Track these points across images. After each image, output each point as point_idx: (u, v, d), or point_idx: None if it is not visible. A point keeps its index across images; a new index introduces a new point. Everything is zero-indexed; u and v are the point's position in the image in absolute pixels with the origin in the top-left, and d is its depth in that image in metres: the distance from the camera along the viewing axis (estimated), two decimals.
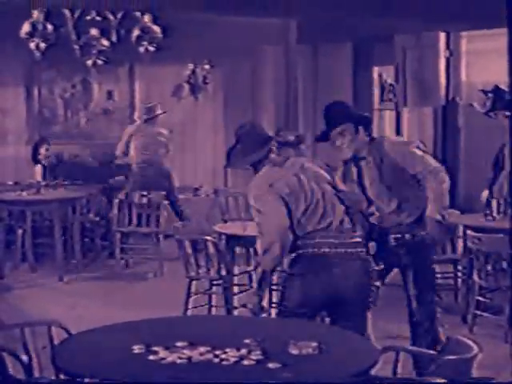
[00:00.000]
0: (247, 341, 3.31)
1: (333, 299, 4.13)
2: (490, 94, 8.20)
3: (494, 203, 6.83)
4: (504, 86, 8.39)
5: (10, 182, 9.54)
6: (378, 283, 4.22)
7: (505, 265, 6.03)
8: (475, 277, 6.23)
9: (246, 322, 4.09)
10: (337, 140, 4.80)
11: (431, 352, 3.41)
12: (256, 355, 3.17)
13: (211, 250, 6.09)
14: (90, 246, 9.08)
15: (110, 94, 10.85)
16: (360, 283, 4.14)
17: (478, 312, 6.23)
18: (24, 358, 3.49)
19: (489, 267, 6.05)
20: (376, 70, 10.52)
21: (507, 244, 5.80)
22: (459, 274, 7.08)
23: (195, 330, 3.62)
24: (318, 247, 4.12)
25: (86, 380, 3.02)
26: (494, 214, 6.74)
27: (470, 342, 3.26)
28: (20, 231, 8.38)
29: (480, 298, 6.23)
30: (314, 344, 3.26)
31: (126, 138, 9.39)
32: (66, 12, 9.00)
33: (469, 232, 6.30)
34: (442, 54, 9.34)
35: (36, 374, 3.53)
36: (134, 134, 9.42)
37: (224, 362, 3.11)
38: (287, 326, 3.87)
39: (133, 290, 7.80)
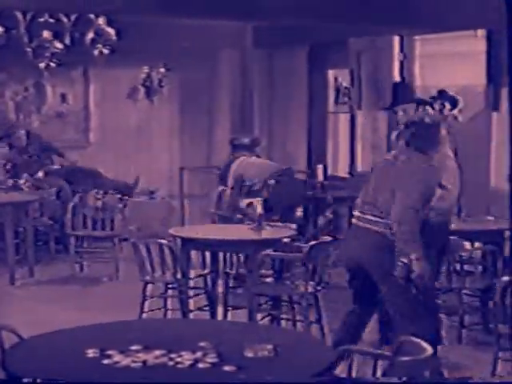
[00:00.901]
0: (202, 344, 3.30)
1: (353, 264, 4.89)
2: (438, 100, 8.32)
3: None
4: (456, 89, 8.49)
5: None
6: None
7: (458, 266, 6.09)
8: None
9: (201, 325, 4.09)
10: None
11: (387, 353, 3.42)
12: (211, 358, 3.15)
13: (166, 253, 6.07)
14: (43, 249, 8.98)
15: (63, 97, 10.76)
16: (375, 255, 4.71)
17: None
18: None
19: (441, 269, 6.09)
20: (331, 73, 10.57)
21: (459, 245, 5.88)
22: None
23: (150, 333, 3.61)
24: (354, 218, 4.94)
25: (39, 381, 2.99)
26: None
27: (424, 344, 3.28)
28: None
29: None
30: (270, 346, 3.26)
31: None
32: (18, 14, 8.88)
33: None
34: (396, 57, 9.41)
35: None
36: None
37: (179, 365, 3.10)
38: (243, 329, 3.87)
39: (88, 294, 7.73)
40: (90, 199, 8.48)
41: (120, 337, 3.49)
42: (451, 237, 5.38)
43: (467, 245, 6.08)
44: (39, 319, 6.26)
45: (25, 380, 3.09)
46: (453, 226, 5.16)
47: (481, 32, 8.25)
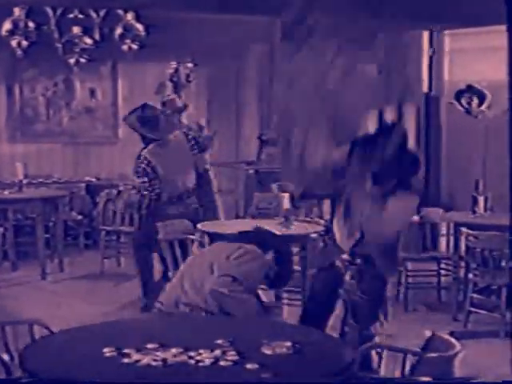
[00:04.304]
0: (219, 341, 3.27)
1: None
2: (466, 94, 8.25)
3: (481, 200, 6.85)
4: (485, 84, 8.43)
5: None
6: None
7: (503, 263, 6.03)
8: (470, 275, 6.25)
9: (212, 321, 3.99)
10: None
11: (415, 350, 3.40)
12: (231, 356, 3.12)
13: (194, 248, 6.09)
14: (73, 244, 9.04)
15: (92, 92, 10.80)
16: None
17: (473, 309, 6.23)
18: (5, 357, 3.46)
19: (485, 265, 6.07)
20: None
21: (505, 241, 5.80)
22: (443, 272, 7.10)
23: (162, 330, 3.55)
24: None
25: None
26: (481, 211, 6.76)
27: (453, 340, 3.26)
28: (1, 229, 8.32)
29: (475, 296, 6.24)
30: (288, 344, 3.23)
31: None
32: (48, 10, 8.94)
33: (464, 230, 6.29)
34: (425, 52, 9.36)
35: (17, 373, 3.50)
36: None
37: (200, 364, 3.06)
38: (257, 325, 3.81)
39: (117, 289, 7.76)
40: (119, 194, 8.53)
41: (133, 334, 3.44)
42: None
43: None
44: (68, 314, 6.32)
45: (23, 380, 3.10)
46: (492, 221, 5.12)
47: None
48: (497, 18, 7.34)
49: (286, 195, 7.25)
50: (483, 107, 8.29)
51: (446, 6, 7.59)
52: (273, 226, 6.37)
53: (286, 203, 6.72)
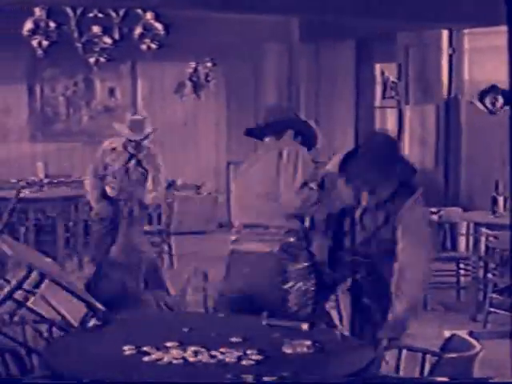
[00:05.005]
0: (234, 339, 3.27)
1: None
2: (490, 94, 8.20)
3: (501, 200, 6.82)
4: (506, 85, 8.39)
5: (13, 180, 9.54)
6: None
7: None
8: (490, 275, 6.23)
9: (227, 319, 3.95)
10: None
11: (435, 350, 3.40)
12: (254, 355, 3.12)
13: None
14: None
15: (112, 92, 10.85)
16: None
17: (492, 309, 6.21)
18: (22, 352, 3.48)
19: (505, 265, 6.06)
20: (378, 68, 10.51)
21: None
22: (462, 271, 7.08)
23: (177, 328, 3.50)
24: None
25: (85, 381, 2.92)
26: (501, 211, 6.74)
27: (472, 340, 3.25)
28: (22, 229, 8.37)
29: (494, 296, 6.22)
30: (308, 343, 3.23)
31: None
32: (68, 9, 8.99)
33: (483, 230, 6.28)
34: (445, 51, 9.33)
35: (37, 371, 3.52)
36: None
37: (223, 362, 3.05)
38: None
39: None
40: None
41: (152, 332, 3.42)
42: None
43: None
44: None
45: (25, 381, 3.10)
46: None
47: None
48: None
49: None
50: (507, 107, 8.24)
51: (465, 5, 7.57)
52: None
53: None
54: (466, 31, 9.06)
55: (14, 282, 3.53)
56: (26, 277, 3.49)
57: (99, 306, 3.48)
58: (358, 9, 8.20)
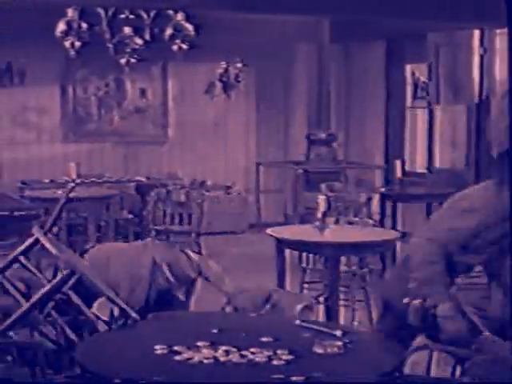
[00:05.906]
0: (264, 339, 3.27)
1: None
2: None
3: None
4: None
5: (46, 180, 9.63)
6: None
7: None
8: None
9: (257, 319, 3.96)
10: None
11: (465, 351, 3.38)
12: (285, 355, 3.11)
13: None
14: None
15: (143, 92, 10.92)
16: None
17: None
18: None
19: None
20: (409, 68, 10.48)
21: None
22: None
23: (207, 328, 3.48)
24: None
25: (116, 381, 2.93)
26: None
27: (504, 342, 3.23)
28: (55, 229, 8.45)
29: None
30: (339, 343, 3.24)
31: None
32: (100, 10, 9.06)
33: None
34: (476, 51, 9.28)
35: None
36: None
37: (253, 362, 3.04)
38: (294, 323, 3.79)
39: None
40: (169, 194, 8.60)
41: (183, 332, 3.43)
42: None
43: None
44: None
45: (57, 380, 3.11)
46: None
47: None
48: None
49: (323, 197, 7.10)
50: None
51: (496, 4, 7.53)
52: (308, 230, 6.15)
53: (323, 206, 6.61)
54: (497, 31, 9.01)
55: (54, 282, 3.55)
56: (69, 277, 3.52)
57: (132, 312, 3.51)
58: (389, 9, 8.18)
